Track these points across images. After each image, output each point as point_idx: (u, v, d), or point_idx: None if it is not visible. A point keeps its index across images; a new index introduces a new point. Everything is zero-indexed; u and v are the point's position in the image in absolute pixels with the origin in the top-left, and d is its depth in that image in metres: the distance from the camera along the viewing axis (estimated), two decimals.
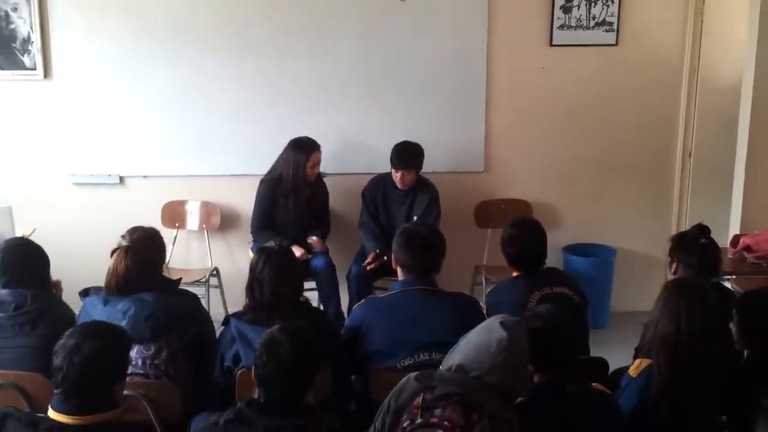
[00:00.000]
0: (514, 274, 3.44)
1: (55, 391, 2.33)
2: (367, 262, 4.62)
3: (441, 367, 2.42)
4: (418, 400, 2.22)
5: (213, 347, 3.18)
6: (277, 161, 4.77)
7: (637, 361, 2.73)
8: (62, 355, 2.30)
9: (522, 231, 3.44)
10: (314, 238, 4.77)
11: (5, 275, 3.13)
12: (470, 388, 2.26)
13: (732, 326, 2.92)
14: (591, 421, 2.47)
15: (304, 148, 4.68)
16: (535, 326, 2.47)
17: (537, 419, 2.40)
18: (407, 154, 4.73)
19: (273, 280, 3.03)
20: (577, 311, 3.27)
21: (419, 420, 2.17)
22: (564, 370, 2.51)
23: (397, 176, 4.74)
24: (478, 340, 2.36)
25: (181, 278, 3.44)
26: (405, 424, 2.20)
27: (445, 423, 2.14)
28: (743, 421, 2.66)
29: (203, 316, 3.36)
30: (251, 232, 4.89)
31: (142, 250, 3.14)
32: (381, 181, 4.89)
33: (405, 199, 4.83)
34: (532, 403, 2.42)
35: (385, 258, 4.48)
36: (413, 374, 2.38)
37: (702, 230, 3.32)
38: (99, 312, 3.01)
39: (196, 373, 3.11)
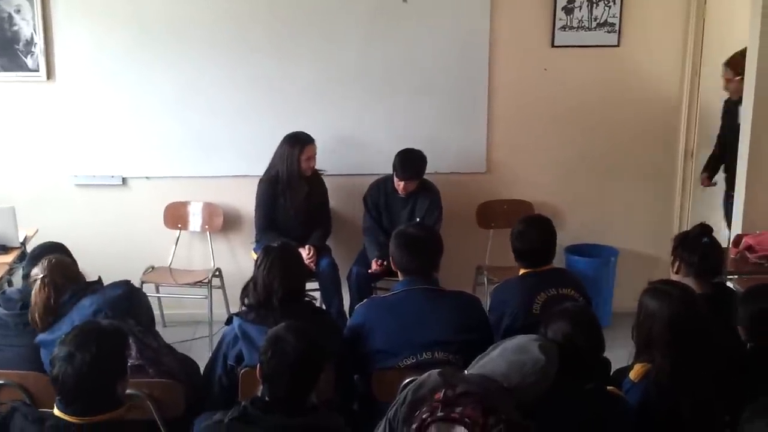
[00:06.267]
0: (521, 272, 3.45)
1: (57, 397, 2.34)
2: (372, 270, 4.61)
3: (466, 371, 2.46)
4: (440, 395, 2.24)
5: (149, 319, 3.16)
6: (273, 159, 4.76)
7: (638, 366, 2.73)
8: (57, 365, 2.29)
9: (531, 226, 3.48)
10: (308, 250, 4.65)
11: (28, 266, 3.18)
12: (490, 390, 2.30)
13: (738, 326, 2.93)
14: (606, 421, 2.49)
15: (297, 142, 4.67)
16: (562, 324, 2.55)
17: (556, 416, 2.42)
18: (411, 165, 4.70)
19: (267, 278, 3.04)
20: None
21: (440, 413, 2.19)
22: (586, 368, 2.54)
23: (399, 185, 4.72)
24: (511, 358, 2.41)
25: (99, 277, 3.26)
26: (424, 416, 2.22)
27: (466, 420, 2.16)
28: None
29: (142, 296, 3.24)
30: (255, 234, 4.88)
31: (57, 272, 3.07)
32: (382, 184, 4.87)
33: (407, 202, 4.81)
34: (552, 400, 2.43)
35: (384, 263, 4.48)
36: (436, 370, 2.41)
37: (704, 229, 3.32)
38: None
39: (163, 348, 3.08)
